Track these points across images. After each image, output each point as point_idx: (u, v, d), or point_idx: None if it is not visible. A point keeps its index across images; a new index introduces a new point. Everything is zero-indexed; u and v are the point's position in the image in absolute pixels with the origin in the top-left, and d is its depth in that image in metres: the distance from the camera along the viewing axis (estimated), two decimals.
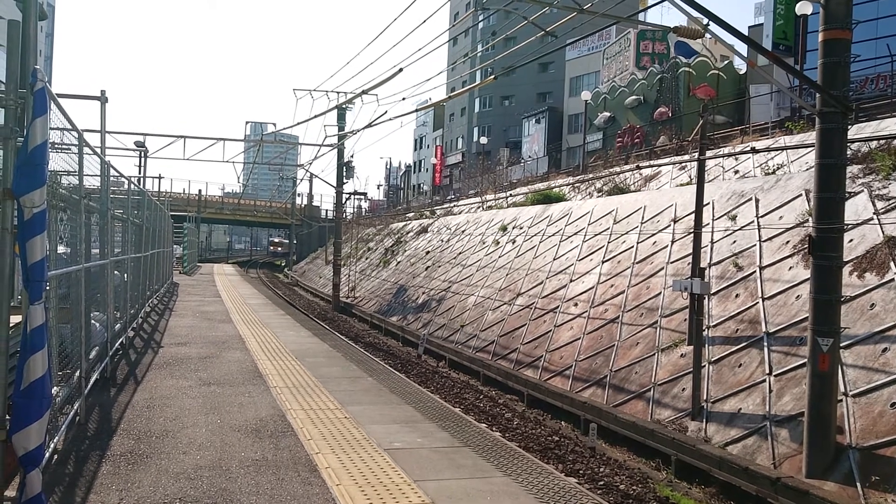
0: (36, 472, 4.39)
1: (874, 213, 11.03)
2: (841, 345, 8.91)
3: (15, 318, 4.86)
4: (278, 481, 5.88)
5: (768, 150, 18.70)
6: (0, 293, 4.49)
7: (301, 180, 74.46)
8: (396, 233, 39.67)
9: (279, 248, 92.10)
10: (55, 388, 5.83)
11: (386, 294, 29.43)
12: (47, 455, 5.38)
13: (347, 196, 40.18)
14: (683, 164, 22.70)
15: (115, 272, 11.09)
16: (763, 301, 11.50)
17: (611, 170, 26.81)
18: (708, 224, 14.10)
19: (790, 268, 11.63)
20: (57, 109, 5.62)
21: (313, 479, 5.98)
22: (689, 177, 20.84)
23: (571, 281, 17.11)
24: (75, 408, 7.17)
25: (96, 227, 9.21)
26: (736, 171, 20.08)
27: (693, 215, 13.09)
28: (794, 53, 31.80)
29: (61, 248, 7.23)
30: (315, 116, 27.58)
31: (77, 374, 7.34)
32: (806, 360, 8.73)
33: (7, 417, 4.39)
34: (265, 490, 5.65)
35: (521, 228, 23.01)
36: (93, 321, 8.89)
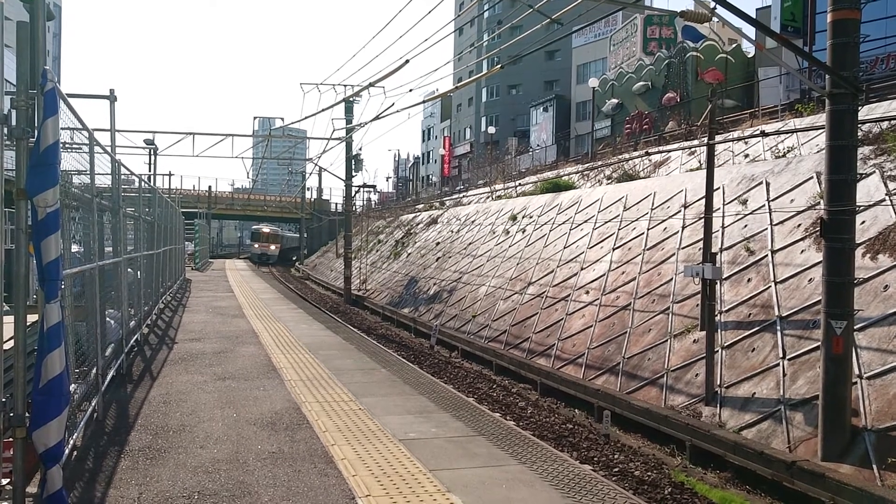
0: (56, 468, 4.45)
1: (886, 194, 10.95)
2: (855, 327, 8.87)
3: (31, 318, 4.92)
4: (295, 473, 5.93)
5: (778, 133, 18.57)
6: (16, 293, 4.55)
7: (310, 174, 74.23)
8: (406, 224, 39.69)
9: (271, 247, 64.70)
10: (73, 385, 5.89)
11: (397, 286, 29.48)
12: (67, 451, 5.45)
13: (357, 189, 40.26)
14: (693, 150, 22.59)
15: (129, 270, 11.17)
16: (775, 285, 11.45)
17: (620, 157, 26.71)
18: (718, 209, 14.03)
19: (802, 251, 11.57)
20: (67, 109, 5.65)
21: (329, 470, 6.03)
22: (699, 162, 20.73)
23: (582, 269, 17.08)
24: (93, 404, 7.24)
25: (108, 226, 9.27)
26: (746, 155, 19.96)
27: (703, 200, 13.05)
28: (802, 35, 31.50)
29: (75, 247, 7.29)
30: (322, 110, 27.65)
31: (94, 371, 7.41)
32: (820, 343, 8.70)
33: (27, 415, 4.45)
34: (282, 482, 5.70)
35: (530, 217, 22.98)
36: (108, 318, 8.97)
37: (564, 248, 18.85)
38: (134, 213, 12.74)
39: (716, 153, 14.17)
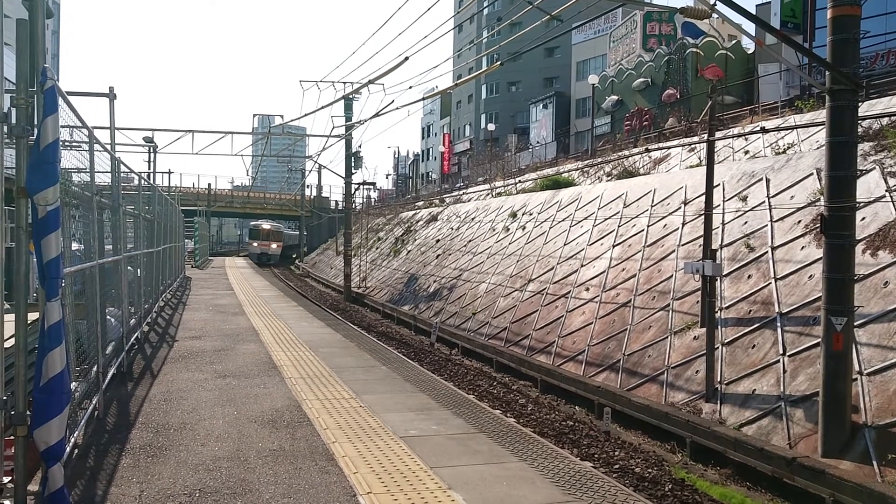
0: (57, 466, 4.45)
1: (886, 191, 10.94)
2: (855, 323, 8.87)
3: (32, 316, 4.92)
4: (296, 471, 5.93)
5: (778, 129, 18.56)
6: (17, 291, 4.55)
7: (310, 172, 74.25)
8: (406, 222, 39.69)
9: (272, 246, 60.30)
10: (73, 383, 5.89)
11: (397, 283, 29.48)
12: (68, 449, 5.45)
13: (356, 186, 40.20)
14: (693, 146, 22.57)
15: (129, 268, 11.17)
16: (776, 282, 11.46)
17: (620, 153, 26.69)
18: (719, 205, 14.03)
19: (802, 247, 11.57)
20: (67, 107, 5.64)
21: (330, 467, 6.04)
22: (699, 158, 20.72)
23: (582, 266, 17.08)
24: (94, 402, 7.24)
25: (108, 224, 9.27)
26: (746, 152, 19.95)
27: (703, 197, 13.04)
28: (802, 31, 31.50)
29: (75, 245, 7.29)
30: (322, 107, 27.62)
31: (94, 369, 7.41)
32: (820, 339, 8.70)
33: (28, 413, 4.45)
34: (283, 479, 5.71)
35: (530, 214, 22.97)
36: (108, 317, 8.96)
37: (564, 244, 18.85)
38: (134, 210, 12.74)
39: (716, 150, 14.16)
